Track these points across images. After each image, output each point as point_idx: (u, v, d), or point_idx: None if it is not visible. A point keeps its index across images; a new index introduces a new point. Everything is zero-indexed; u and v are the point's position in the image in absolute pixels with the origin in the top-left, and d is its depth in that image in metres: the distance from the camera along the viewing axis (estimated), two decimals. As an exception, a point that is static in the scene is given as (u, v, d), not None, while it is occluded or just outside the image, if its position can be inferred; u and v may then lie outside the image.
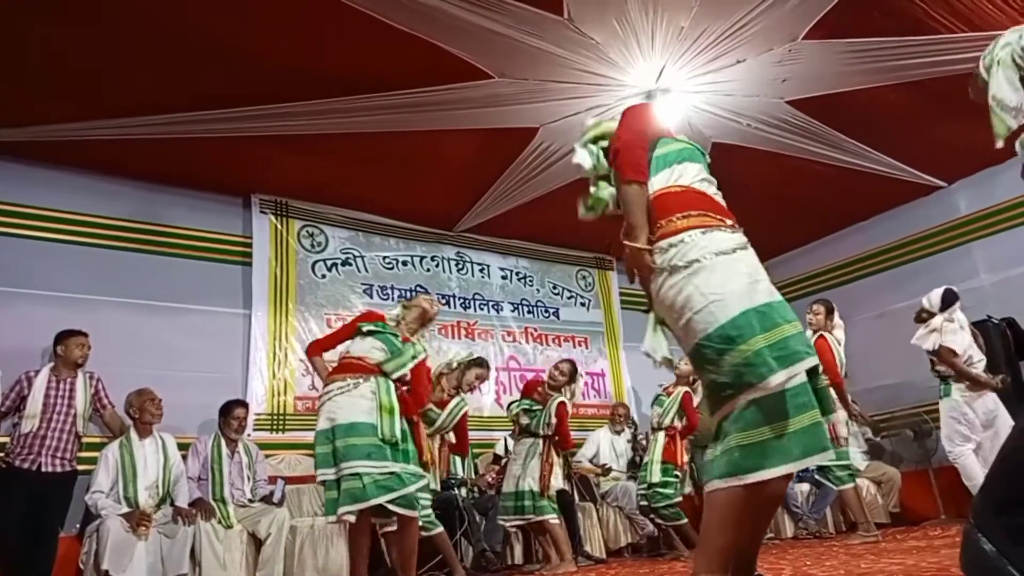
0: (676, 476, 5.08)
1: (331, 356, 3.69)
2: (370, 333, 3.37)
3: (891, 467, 6.57)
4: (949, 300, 4.98)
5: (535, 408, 4.90)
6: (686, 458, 5.16)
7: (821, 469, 5.04)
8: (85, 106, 4.60)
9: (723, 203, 1.99)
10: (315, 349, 3.66)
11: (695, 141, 2.22)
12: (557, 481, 4.88)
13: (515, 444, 5.02)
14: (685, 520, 4.98)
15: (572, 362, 5.03)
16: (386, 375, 3.29)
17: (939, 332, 4.87)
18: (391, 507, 3.06)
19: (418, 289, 6.63)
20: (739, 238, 1.89)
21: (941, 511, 6.03)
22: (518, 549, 5.35)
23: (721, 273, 1.79)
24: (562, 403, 4.82)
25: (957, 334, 4.84)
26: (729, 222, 1.92)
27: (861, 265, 7.56)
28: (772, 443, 1.64)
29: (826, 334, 5.01)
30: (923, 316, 5.10)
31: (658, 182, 1.96)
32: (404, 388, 3.44)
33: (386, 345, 3.36)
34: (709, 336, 1.75)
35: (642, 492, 5.15)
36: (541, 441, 4.81)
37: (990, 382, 4.75)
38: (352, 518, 3.01)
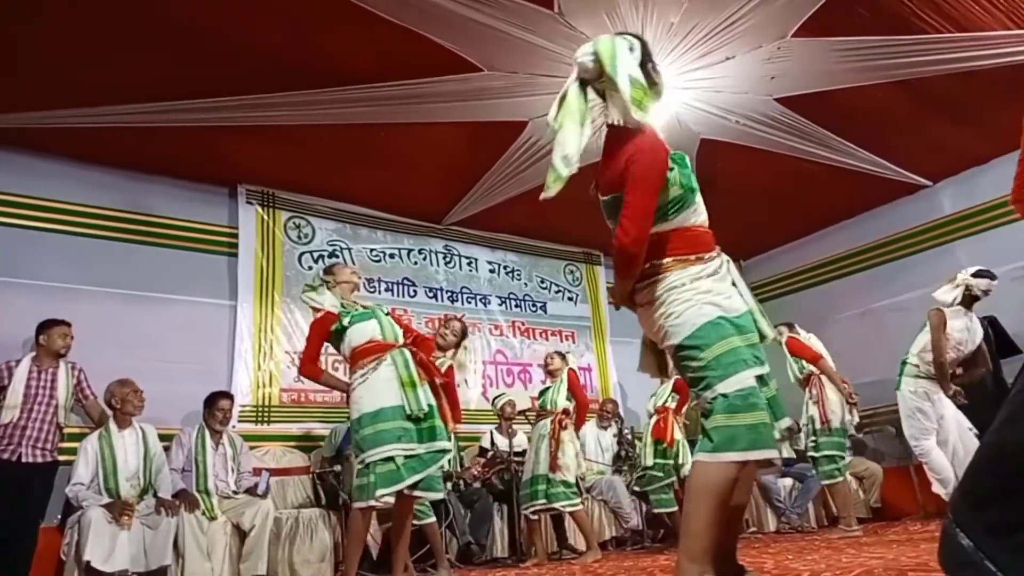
0: (666, 456, 5.12)
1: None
2: (350, 322, 3.35)
3: (873, 463, 6.64)
4: (983, 274, 4.77)
5: (545, 388, 5.10)
6: (679, 436, 5.20)
7: (814, 462, 5.07)
8: (69, 93, 4.54)
9: (703, 223, 2.18)
10: (310, 368, 3.51)
11: (684, 139, 2.28)
12: (569, 460, 4.80)
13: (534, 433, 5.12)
14: (676, 508, 5.01)
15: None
16: (400, 347, 3.29)
17: (963, 288, 4.71)
18: (416, 492, 3.10)
19: (405, 281, 6.62)
20: (698, 270, 2.07)
21: (921, 507, 6.10)
22: (503, 542, 5.36)
23: (673, 306, 2.05)
24: (572, 371, 5.08)
25: (958, 317, 4.69)
26: (693, 257, 2.09)
27: (845, 263, 7.62)
28: (727, 431, 1.86)
29: (795, 336, 5.25)
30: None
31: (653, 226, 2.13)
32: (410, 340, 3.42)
33: (367, 320, 3.35)
34: (679, 356, 2.06)
35: (637, 477, 5.25)
36: (549, 420, 4.88)
37: (946, 388, 4.63)
38: (391, 499, 3.01)
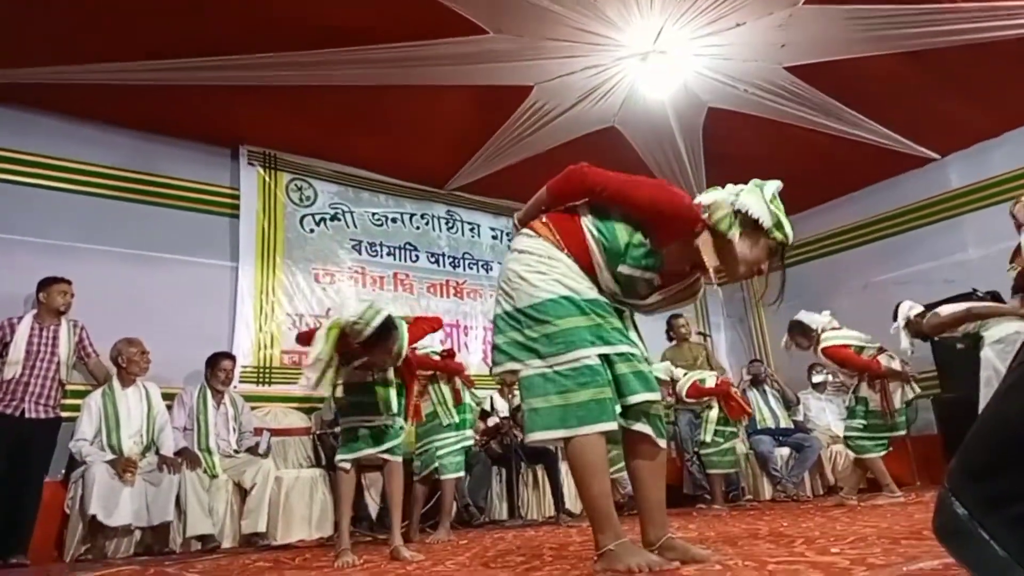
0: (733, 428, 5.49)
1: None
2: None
3: (844, 443, 6.66)
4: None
5: None
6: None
7: (853, 439, 4.93)
8: (73, 50, 4.49)
9: (596, 258, 2.08)
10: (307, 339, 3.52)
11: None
12: None
13: None
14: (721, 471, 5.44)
15: None
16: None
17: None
18: (383, 455, 3.15)
19: (407, 246, 6.59)
20: (560, 253, 2.04)
21: (916, 478, 6.16)
22: (501, 505, 5.43)
23: (523, 268, 2.03)
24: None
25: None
26: (566, 251, 2.05)
27: (850, 236, 7.59)
28: (558, 412, 1.89)
29: (830, 343, 4.79)
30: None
31: (573, 207, 2.16)
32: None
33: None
34: (510, 316, 2.03)
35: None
36: None
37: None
38: (347, 466, 3.11)
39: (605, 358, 1.94)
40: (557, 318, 1.93)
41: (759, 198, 2.11)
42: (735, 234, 2.05)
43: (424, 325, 3.60)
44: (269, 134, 5.84)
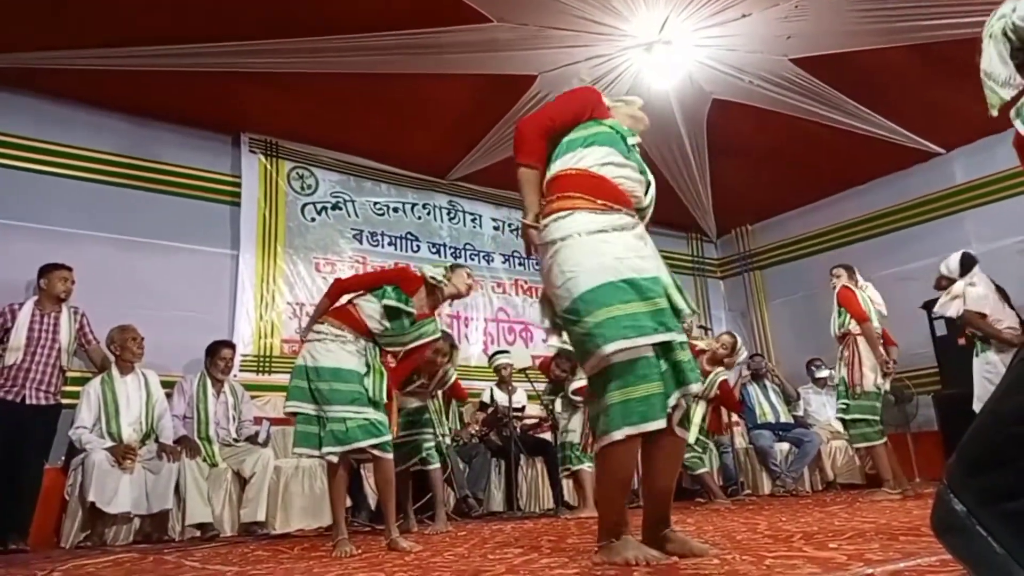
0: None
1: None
2: (387, 306, 3.19)
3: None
4: (968, 264, 4.72)
5: (558, 393, 5.25)
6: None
7: (844, 425, 4.99)
8: (76, 34, 4.47)
9: (625, 185, 2.09)
10: (337, 291, 3.34)
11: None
12: (575, 423, 5.10)
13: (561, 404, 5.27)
14: (706, 469, 5.35)
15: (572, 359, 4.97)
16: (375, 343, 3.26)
17: (962, 298, 4.65)
18: (372, 450, 3.07)
19: (408, 236, 6.59)
20: (614, 219, 1.99)
21: (916, 474, 6.16)
22: (499, 496, 5.44)
23: (578, 252, 1.93)
24: (580, 389, 4.99)
25: (983, 298, 4.62)
26: (604, 203, 2.00)
27: (853, 230, 7.56)
28: (619, 408, 1.84)
29: (851, 287, 4.95)
30: (943, 284, 4.84)
31: (557, 165, 2.11)
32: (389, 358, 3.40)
33: (393, 325, 3.21)
34: (566, 309, 1.95)
35: None
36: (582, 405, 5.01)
37: (1014, 340, 4.43)
38: (335, 459, 3.01)
39: (664, 344, 1.90)
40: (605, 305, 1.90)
41: None
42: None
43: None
44: (271, 122, 5.82)
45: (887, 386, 4.94)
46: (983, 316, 4.58)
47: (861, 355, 4.83)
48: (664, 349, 1.91)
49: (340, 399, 3.02)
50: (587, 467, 4.91)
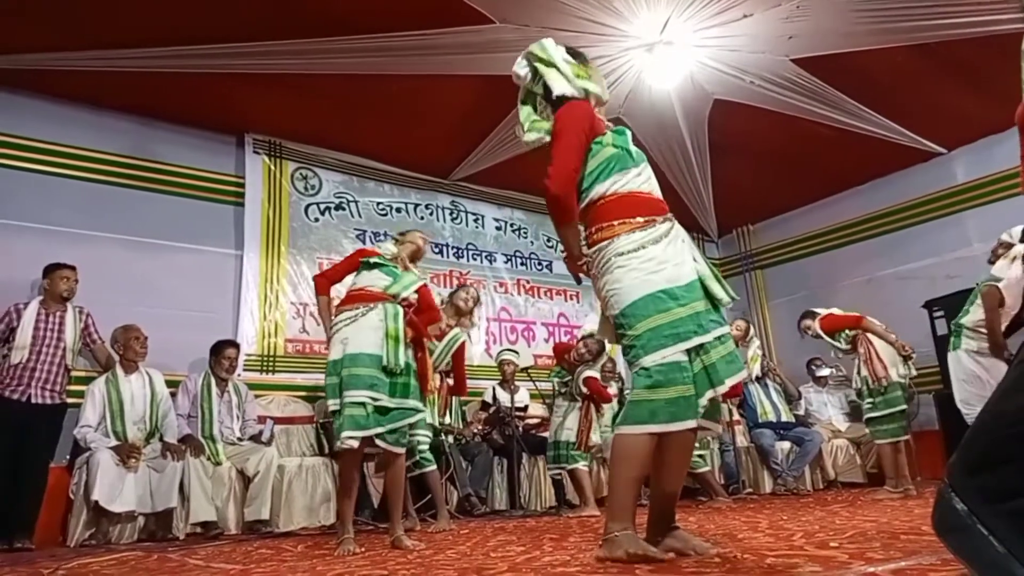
0: None
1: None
2: (374, 266, 3.36)
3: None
4: None
5: (567, 379, 5.12)
6: None
7: (871, 423, 4.95)
8: (80, 36, 4.48)
9: (649, 190, 2.22)
10: (324, 284, 3.57)
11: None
12: (596, 436, 5.08)
13: (556, 400, 5.21)
14: (707, 468, 5.26)
15: (600, 341, 5.04)
16: (394, 299, 3.28)
17: (1020, 260, 4.32)
18: (379, 442, 3.09)
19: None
20: (649, 234, 2.10)
21: (917, 473, 6.16)
22: (502, 495, 5.45)
23: (618, 272, 2.09)
24: (591, 377, 5.00)
25: (1018, 281, 4.29)
26: (641, 220, 2.12)
27: (854, 229, 7.56)
28: (648, 405, 1.95)
29: (824, 315, 5.07)
30: (999, 252, 4.52)
31: (586, 197, 2.22)
32: (411, 310, 3.41)
33: (387, 273, 3.35)
34: (616, 324, 2.13)
35: None
36: (581, 401, 4.99)
37: (1001, 352, 4.21)
38: (355, 443, 2.98)
39: (699, 347, 2.01)
40: (646, 316, 2.02)
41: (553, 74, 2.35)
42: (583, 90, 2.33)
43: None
44: (274, 122, 5.84)
45: (912, 371, 4.91)
46: (997, 297, 4.28)
47: (876, 348, 4.81)
48: (698, 351, 2.01)
49: (360, 384, 3.03)
50: (582, 465, 4.91)
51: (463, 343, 4.70)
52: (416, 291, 3.42)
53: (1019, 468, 0.82)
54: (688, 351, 1.99)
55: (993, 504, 0.83)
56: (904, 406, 4.84)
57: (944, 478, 0.90)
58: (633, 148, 2.26)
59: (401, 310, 3.25)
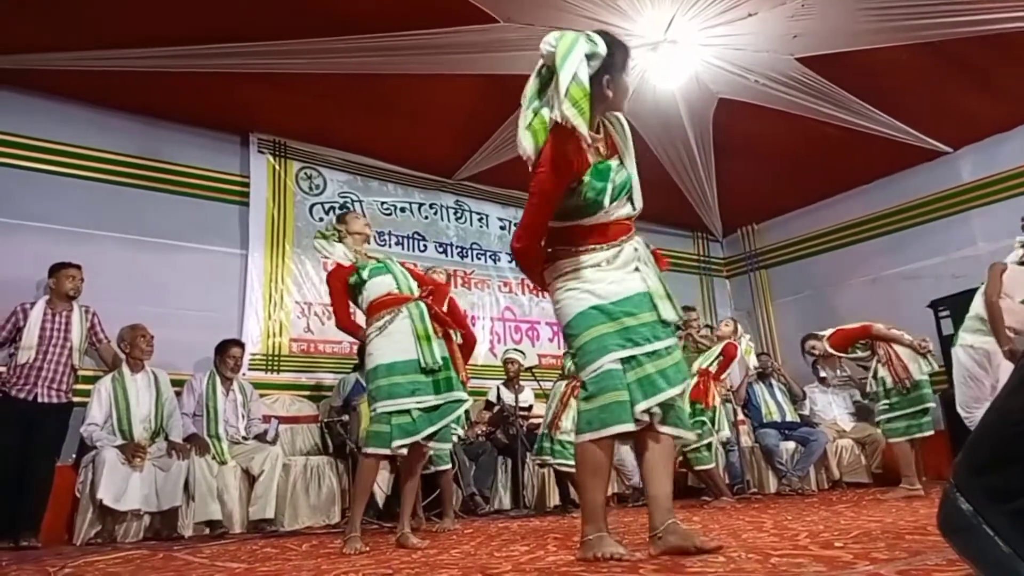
0: (703, 418, 5.16)
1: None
2: (368, 276, 3.32)
3: (876, 429, 6.66)
4: None
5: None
6: (718, 400, 5.31)
7: (888, 422, 4.91)
8: (85, 35, 4.50)
9: (609, 220, 2.21)
10: (348, 324, 3.47)
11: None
12: (570, 422, 4.80)
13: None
14: (711, 464, 5.16)
15: None
16: (416, 300, 3.25)
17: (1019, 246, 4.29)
18: (431, 443, 3.12)
19: (415, 235, 6.61)
20: (589, 259, 2.18)
21: (923, 473, 6.14)
22: (506, 494, 5.46)
23: (558, 293, 2.22)
24: None
25: (1018, 273, 4.14)
26: (584, 248, 2.19)
27: (859, 229, 7.54)
28: (585, 415, 2.09)
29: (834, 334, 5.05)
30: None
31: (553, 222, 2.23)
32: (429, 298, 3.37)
33: (384, 274, 3.30)
34: (564, 335, 2.26)
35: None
36: (564, 383, 4.93)
37: (1002, 339, 4.03)
38: (405, 451, 3.04)
39: (630, 359, 2.09)
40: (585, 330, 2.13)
41: (566, 82, 2.04)
42: (607, 92, 2.16)
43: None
44: (279, 122, 5.85)
45: (934, 366, 4.88)
46: (998, 286, 4.16)
47: (895, 350, 4.78)
48: (631, 362, 2.09)
49: (402, 392, 3.05)
50: (550, 459, 4.86)
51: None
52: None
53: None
54: (623, 361, 2.08)
55: (998, 504, 0.82)
56: (931, 403, 4.80)
57: (949, 478, 0.90)
58: (610, 186, 2.17)
59: (425, 307, 3.24)
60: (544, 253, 2.27)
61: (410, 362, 3.09)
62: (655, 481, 2.13)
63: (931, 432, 4.83)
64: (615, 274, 2.18)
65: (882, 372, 4.86)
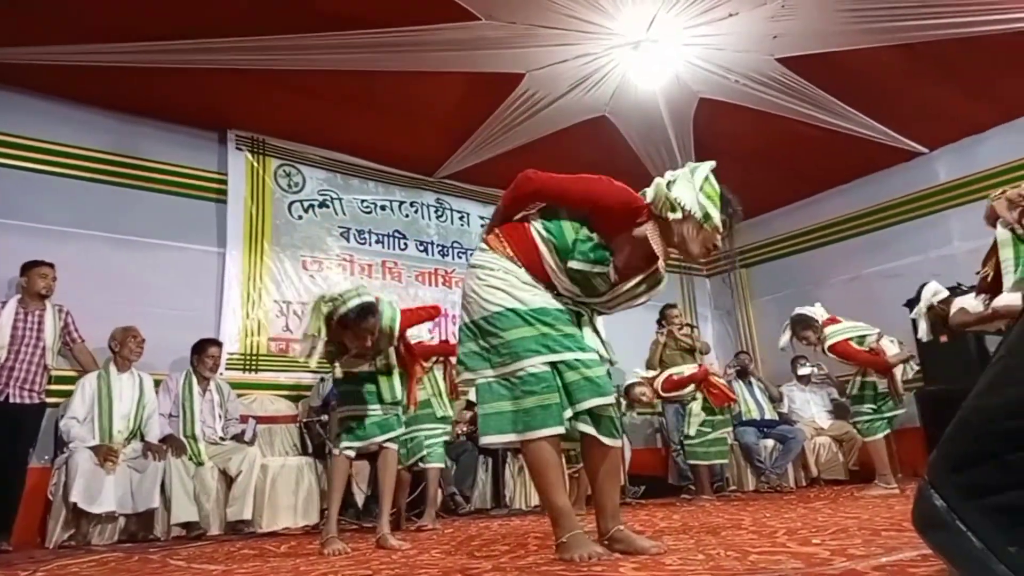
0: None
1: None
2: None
3: (852, 427, 6.72)
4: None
5: None
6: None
7: (860, 422, 4.97)
8: (59, 30, 4.42)
9: (549, 266, 2.16)
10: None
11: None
12: None
13: None
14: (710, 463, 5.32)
15: None
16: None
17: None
18: (389, 443, 3.15)
19: (396, 234, 6.57)
20: (527, 278, 2.13)
21: (898, 470, 6.21)
22: (487, 494, 5.45)
23: (480, 284, 2.13)
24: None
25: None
26: (519, 258, 2.14)
27: (838, 228, 7.61)
28: (508, 415, 2.04)
29: (836, 339, 4.90)
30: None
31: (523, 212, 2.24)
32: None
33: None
34: (477, 328, 2.16)
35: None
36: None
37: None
38: (352, 452, 3.09)
39: (554, 365, 2.04)
40: (503, 330, 2.04)
41: (689, 187, 2.07)
42: (677, 218, 2.05)
43: (421, 312, 3.60)
44: (257, 119, 5.78)
45: (910, 372, 4.95)
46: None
47: (896, 373, 4.82)
48: (561, 366, 2.04)
49: (356, 399, 3.15)
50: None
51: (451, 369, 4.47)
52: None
53: (998, 464, 0.82)
54: (550, 365, 2.03)
55: (972, 500, 0.83)
56: (904, 408, 4.99)
57: (924, 475, 0.90)
58: (611, 273, 2.15)
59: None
60: (512, 219, 2.22)
61: (371, 373, 3.15)
62: (603, 491, 2.17)
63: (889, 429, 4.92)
64: (536, 289, 2.11)
65: (873, 376, 4.87)
